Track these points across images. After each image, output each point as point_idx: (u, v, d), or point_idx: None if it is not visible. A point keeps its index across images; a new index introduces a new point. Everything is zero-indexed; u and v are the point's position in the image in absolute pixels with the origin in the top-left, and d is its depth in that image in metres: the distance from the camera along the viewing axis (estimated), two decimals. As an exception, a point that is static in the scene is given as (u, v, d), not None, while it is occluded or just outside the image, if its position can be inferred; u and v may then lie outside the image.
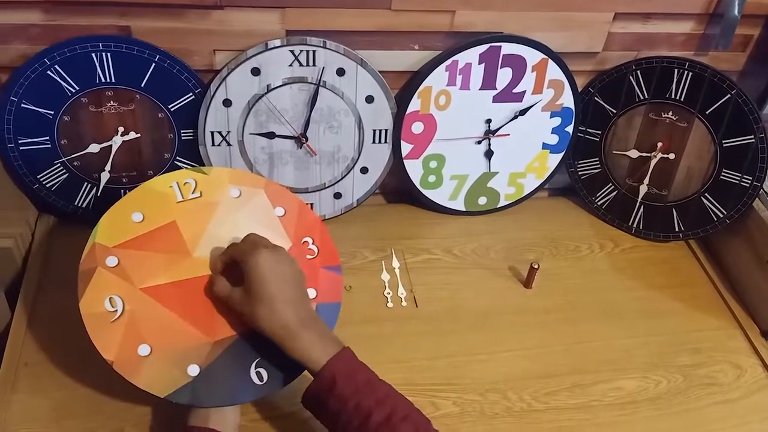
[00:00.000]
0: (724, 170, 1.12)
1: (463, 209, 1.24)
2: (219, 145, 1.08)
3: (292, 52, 1.01)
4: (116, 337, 0.78)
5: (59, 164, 1.05)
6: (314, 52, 1.02)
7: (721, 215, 1.14)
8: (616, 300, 1.10)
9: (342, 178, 1.15)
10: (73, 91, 0.99)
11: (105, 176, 1.07)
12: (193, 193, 0.88)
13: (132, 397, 0.86)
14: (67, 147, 1.03)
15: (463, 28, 1.05)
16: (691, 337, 1.05)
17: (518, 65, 1.09)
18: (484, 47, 1.06)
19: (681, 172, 1.16)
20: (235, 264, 0.80)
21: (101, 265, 0.81)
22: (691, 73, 1.08)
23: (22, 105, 0.98)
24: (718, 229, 1.15)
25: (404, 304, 1.06)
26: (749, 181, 1.10)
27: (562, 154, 1.21)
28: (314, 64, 1.03)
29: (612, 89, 1.15)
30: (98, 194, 1.09)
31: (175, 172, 0.89)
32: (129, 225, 0.84)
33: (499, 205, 1.25)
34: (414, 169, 1.17)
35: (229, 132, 1.07)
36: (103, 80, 0.99)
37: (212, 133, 1.06)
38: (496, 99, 1.12)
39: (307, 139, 1.09)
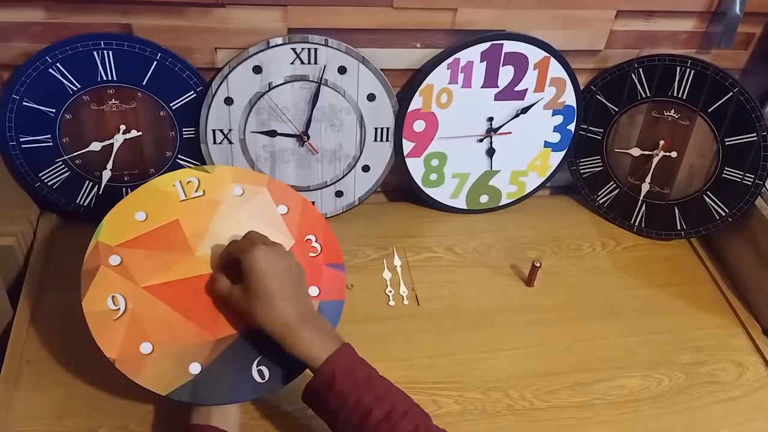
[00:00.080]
0: (726, 168, 1.11)
1: (465, 207, 1.24)
2: (221, 143, 1.08)
3: (293, 50, 1.01)
4: (118, 336, 0.78)
5: (61, 162, 1.05)
6: (316, 50, 1.02)
7: (723, 213, 1.14)
8: (618, 298, 1.10)
9: (343, 177, 1.15)
10: (75, 89, 0.99)
11: (107, 174, 1.07)
12: (196, 191, 0.88)
13: (134, 394, 0.86)
14: (68, 145, 1.03)
15: (465, 26, 1.05)
16: (693, 336, 1.05)
17: (520, 63, 1.09)
18: (485, 45, 1.06)
19: (683, 170, 1.16)
20: (236, 262, 0.80)
21: (104, 263, 0.81)
22: (693, 71, 1.08)
23: (24, 103, 0.98)
24: (720, 227, 1.15)
25: (406, 302, 1.06)
26: (751, 180, 1.10)
27: (563, 152, 1.21)
28: (316, 62, 1.03)
29: (614, 87, 1.15)
30: (100, 192, 1.09)
31: (178, 171, 0.89)
32: (132, 224, 0.84)
33: (501, 204, 1.25)
34: (415, 168, 1.17)
35: (230, 130, 1.07)
36: (104, 78, 0.99)
37: (214, 131, 1.06)
38: (498, 97, 1.12)
39: (308, 138, 1.09)
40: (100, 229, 0.83)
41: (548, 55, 1.09)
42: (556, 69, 1.10)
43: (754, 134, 1.07)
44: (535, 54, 1.08)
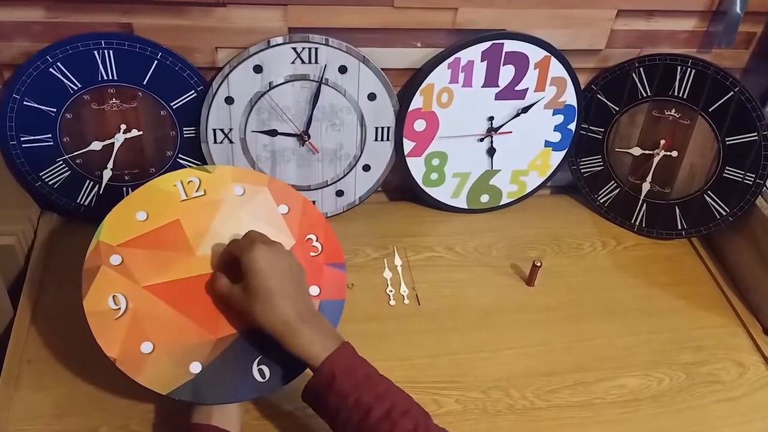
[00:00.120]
0: (727, 168, 1.11)
1: (466, 207, 1.24)
2: (221, 142, 1.08)
3: (294, 49, 1.01)
4: (119, 335, 0.78)
5: (61, 162, 1.05)
6: (316, 49, 1.02)
7: (724, 213, 1.14)
8: (619, 298, 1.10)
9: (344, 176, 1.15)
10: (76, 88, 0.99)
11: (107, 174, 1.07)
12: (196, 191, 0.88)
13: (135, 394, 0.86)
14: (69, 144, 1.03)
15: (466, 26, 1.04)
16: (694, 335, 1.05)
17: (521, 63, 1.09)
18: (486, 44, 1.06)
19: (684, 169, 1.16)
20: (236, 261, 0.80)
21: (105, 263, 0.81)
22: (694, 71, 1.08)
23: (25, 102, 0.98)
24: (721, 226, 1.15)
25: (406, 301, 1.06)
26: (752, 179, 1.09)
27: (564, 152, 1.21)
28: (316, 62, 1.03)
29: (615, 87, 1.14)
30: (100, 192, 1.09)
31: (179, 171, 0.89)
32: (133, 223, 0.84)
33: (502, 203, 1.25)
34: (416, 167, 1.17)
35: (231, 129, 1.07)
36: (105, 78, 0.99)
37: (214, 130, 1.06)
38: (499, 96, 1.12)
39: (309, 137, 1.09)
40: (101, 228, 0.83)
41: (549, 54, 1.09)
42: (556, 68, 1.10)
43: (755, 134, 1.07)
44: (535, 53, 1.08)
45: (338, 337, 0.77)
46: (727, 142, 1.10)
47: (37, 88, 0.97)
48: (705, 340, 1.04)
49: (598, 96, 1.16)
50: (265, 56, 1.01)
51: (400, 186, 1.23)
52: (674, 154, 1.15)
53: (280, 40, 1.00)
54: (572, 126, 1.18)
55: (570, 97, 1.14)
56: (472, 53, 1.06)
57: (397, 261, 1.12)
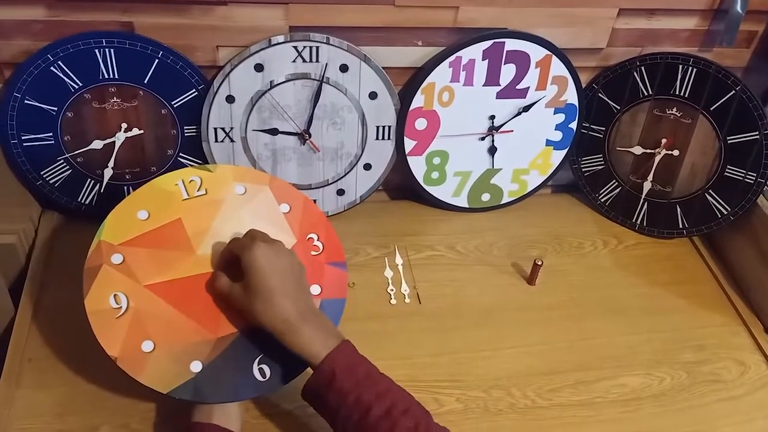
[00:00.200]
0: (728, 167, 1.11)
1: (467, 206, 1.24)
2: (222, 141, 1.08)
3: (295, 48, 1.01)
4: (120, 334, 0.78)
5: (62, 160, 1.05)
6: (317, 48, 1.02)
7: (725, 212, 1.14)
8: (620, 297, 1.10)
9: (345, 175, 1.15)
10: (77, 87, 0.99)
11: (108, 173, 1.07)
12: (198, 190, 0.88)
13: (136, 393, 0.86)
14: (70, 143, 1.03)
15: (467, 24, 1.04)
16: (695, 334, 1.05)
17: (522, 61, 1.08)
18: (487, 43, 1.06)
19: (685, 168, 1.16)
20: (236, 259, 0.80)
21: (107, 262, 0.81)
22: (695, 70, 1.08)
23: (26, 101, 0.98)
24: (722, 225, 1.15)
25: (407, 300, 1.06)
26: (753, 178, 1.09)
27: (565, 151, 1.21)
28: (317, 60, 1.03)
29: (616, 85, 1.14)
30: (101, 191, 1.09)
31: (180, 170, 0.89)
32: (134, 223, 0.84)
33: (503, 202, 1.25)
34: (417, 166, 1.17)
35: (232, 128, 1.07)
36: (106, 76, 0.99)
37: (215, 129, 1.06)
38: (500, 95, 1.11)
39: (310, 136, 1.09)
40: (102, 228, 0.83)
41: (550, 53, 1.09)
42: (557, 67, 1.10)
43: (757, 133, 1.07)
44: (536, 52, 1.08)
45: (339, 336, 0.76)
46: (729, 141, 1.10)
47: (38, 86, 0.97)
48: (706, 339, 1.04)
49: (600, 95, 1.16)
50: (266, 55, 1.01)
51: (401, 185, 1.23)
52: (675, 153, 1.15)
53: (281, 38, 1.00)
54: (573, 125, 1.18)
55: (571, 96, 1.14)
56: (474, 52, 1.06)
57: (398, 260, 1.12)
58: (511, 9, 1.04)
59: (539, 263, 1.08)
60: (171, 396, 0.77)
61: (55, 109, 1.00)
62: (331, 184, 1.16)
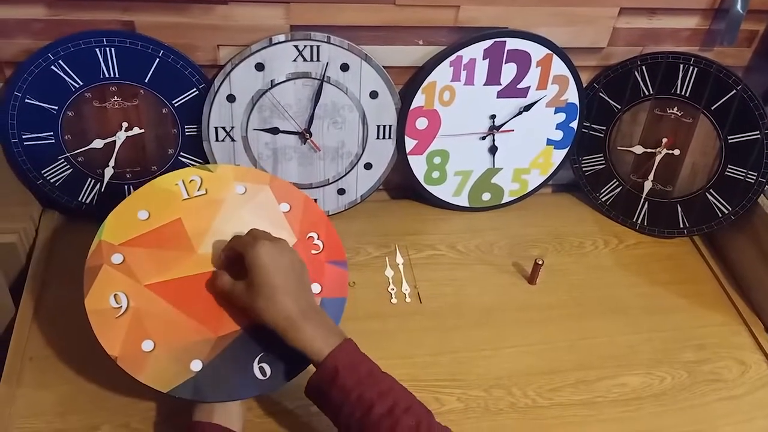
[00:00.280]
0: (729, 166, 1.11)
1: (467, 205, 1.24)
2: (223, 140, 1.08)
3: (296, 47, 1.01)
4: (120, 333, 0.78)
5: (63, 160, 1.05)
6: (318, 47, 1.01)
7: (726, 211, 1.14)
8: (621, 296, 1.10)
9: (346, 174, 1.15)
10: (77, 86, 0.99)
11: (109, 172, 1.07)
12: (198, 190, 0.88)
13: (136, 392, 0.86)
14: (71, 142, 1.03)
15: (468, 24, 1.04)
16: (696, 334, 1.05)
17: (523, 61, 1.08)
18: (488, 42, 1.06)
19: (686, 168, 1.15)
20: (238, 257, 0.80)
21: (107, 262, 0.81)
22: (696, 69, 1.08)
23: (26, 100, 0.98)
24: (723, 225, 1.15)
25: (408, 300, 1.06)
26: (754, 177, 1.09)
27: (566, 150, 1.21)
28: (318, 60, 1.03)
29: (617, 85, 1.14)
30: (102, 190, 1.09)
31: (180, 170, 0.89)
32: (135, 223, 0.84)
33: (503, 201, 1.25)
34: (418, 165, 1.17)
35: (233, 128, 1.07)
36: (107, 75, 0.99)
37: (216, 128, 1.06)
38: (501, 94, 1.11)
39: (311, 135, 1.09)
40: (102, 228, 0.83)
41: (551, 52, 1.08)
42: (558, 66, 1.10)
43: (757, 132, 1.07)
44: (537, 51, 1.08)
45: (341, 334, 0.77)
46: (729, 141, 1.10)
47: (39, 85, 0.97)
48: (707, 339, 1.04)
49: (600, 94, 1.16)
50: (266, 54, 1.01)
51: (401, 184, 1.23)
52: (676, 152, 1.15)
53: (282, 37, 1.00)
54: (574, 124, 1.18)
55: (572, 96, 1.14)
56: (474, 51, 1.06)
57: (399, 259, 1.12)
58: (512, 8, 1.04)
59: (540, 263, 1.08)
60: (171, 395, 0.77)
61: (56, 108, 1.00)
62: (332, 183, 1.16)
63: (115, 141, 1.05)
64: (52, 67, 0.96)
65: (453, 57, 1.06)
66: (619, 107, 1.16)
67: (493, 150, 1.17)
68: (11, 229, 1.02)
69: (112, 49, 0.97)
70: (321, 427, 0.86)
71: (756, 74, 1.16)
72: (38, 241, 1.07)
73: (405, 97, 1.09)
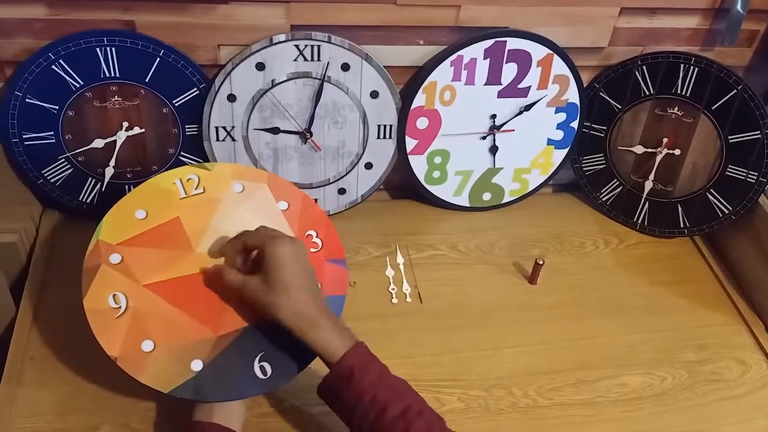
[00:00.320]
0: (729, 166, 1.11)
1: (468, 205, 1.24)
2: (223, 140, 1.08)
3: (296, 46, 1.01)
4: (120, 334, 0.78)
5: (64, 159, 1.05)
6: (319, 47, 1.01)
7: (727, 211, 1.14)
8: (621, 296, 1.10)
9: (346, 174, 1.15)
10: (78, 85, 0.99)
11: (109, 171, 1.07)
12: (196, 189, 0.88)
13: (136, 392, 0.86)
14: (71, 142, 1.03)
15: (468, 23, 1.04)
16: (696, 333, 1.05)
17: (523, 60, 1.08)
18: (489, 42, 1.06)
19: (686, 167, 1.15)
20: (249, 252, 0.79)
21: (105, 262, 0.81)
22: (696, 69, 1.08)
23: (27, 100, 0.98)
24: (724, 225, 1.15)
25: (409, 299, 1.06)
26: (755, 177, 1.09)
27: (567, 150, 1.21)
28: (319, 59, 1.03)
29: (617, 84, 1.14)
30: (103, 189, 1.09)
31: (178, 169, 0.89)
32: (132, 222, 0.84)
33: (504, 201, 1.25)
34: (418, 165, 1.17)
35: (233, 127, 1.07)
36: (107, 75, 0.99)
37: (217, 128, 1.06)
38: (501, 94, 1.11)
39: (311, 135, 1.09)
40: (100, 227, 0.83)
41: (551, 52, 1.08)
42: (559, 66, 1.10)
43: (758, 132, 1.07)
44: (538, 51, 1.08)
45: (353, 336, 0.77)
46: (730, 141, 1.10)
47: (39, 85, 0.97)
48: (708, 339, 1.04)
49: (601, 94, 1.16)
50: (267, 54, 1.01)
51: (402, 184, 1.23)
52: (677, 152, 1.15)
53: (282, 37, 1.00)
54: (575, 124, 1.18)
55: (572, 95, 1.14)
56: (475, 51, 1.06)
57: (400, 259, 1.12)
58: (512, 8, 1.04)
59: (540, 262, 1.08)
60: (172, 395, 0.77)
61: (57, 107, 1.00)
62: (333, 183, 1.16)
63: (115, 141, 1.05)
64: (53, 66, 0.96)
65: (454, 57, 1.06)
66: (620, 107, 1.16)
67: (493, 150, 1.17)
68: (12, 228, 1.02)
69: (113, 49, 0.97)
70: (321, 426, 0.86)
71: (756, 74, 1.16)
72: (39, 241, 1.07)
73: (406, 96, 1.09)
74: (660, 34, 1.11)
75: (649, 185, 1.19)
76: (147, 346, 0.78)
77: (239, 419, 0.82)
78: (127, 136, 1.05)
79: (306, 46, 1.01)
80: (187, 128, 1.07)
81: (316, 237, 0.91)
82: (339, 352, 0.73)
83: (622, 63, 1.13)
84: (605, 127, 1.19)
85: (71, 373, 0.90)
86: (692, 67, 1.08)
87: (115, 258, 0.82)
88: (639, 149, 1.18)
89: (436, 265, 1.12)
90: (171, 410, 0.86)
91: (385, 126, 1.11)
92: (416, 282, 1.08)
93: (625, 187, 1.22)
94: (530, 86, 1.11)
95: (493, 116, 1.14)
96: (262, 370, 0.80)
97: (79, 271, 0.80)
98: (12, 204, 1.05)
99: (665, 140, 1.15)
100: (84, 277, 0.80)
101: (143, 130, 1.05)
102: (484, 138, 1.16)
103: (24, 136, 1.01)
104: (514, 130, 1.15)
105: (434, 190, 1.20)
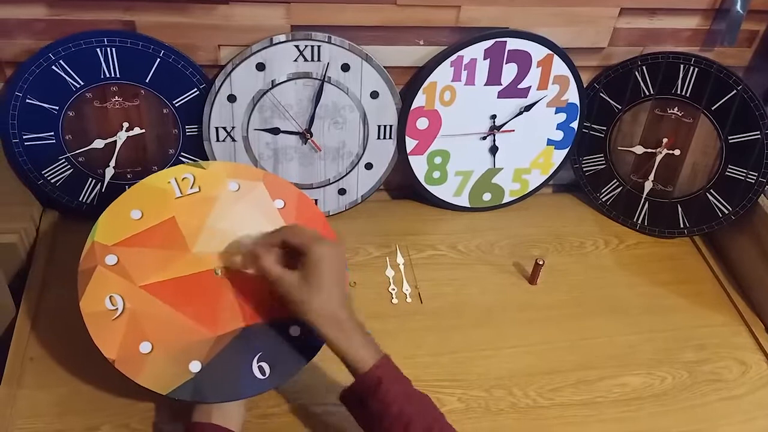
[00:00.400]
0: (729, 166, 1.11)
1: (468, 205, 1.24)
2: (224, 140, 1.08)
3: (296, 47, 1.01)
4: (117, 336, 0.78)
5: (64, 160, 1.05)
6: (319, 47, 1.01)
7: (727, 211, 1.14)
8: (621, 296, 1.10)
9: (346, 174, 1.15)
10: (78, 86, 0.99)
11: (109, 172, 1.07)
12: (191, 188, 0.88)
13: (136, 392, 0.85)
14: (71, 142, 1.03)
15: (469, 24, 1.04)
16: (696, 334, 1.05)
17: (523, 61, 1.08)
18: (489, 42, 1.06)
19: (686, 168, 1.15)
20: (283, 248, 0.79)
21: (101, 263, 0.81)
22: (696, 69, 1.08)
23: (27, 100, 0.98)
24: (724, 225, 1.15)
25: (409, 300, 1.06)
26: (755, 177, 1.09)
27: (566, 150, 1.21)
28: (319, 60, 1.03)
29: (617, 85, 1.14)
30: (103, 190, 1.09)
31: (172, 168, 0.89)
32: (128, 222, 0.84)
33: (504, 201, 1.25)
34: (418, 165, 1.17)
35: (233, 128, 1.07)
36: (107, 75, 0.99)
37: (217, 128, 1.06)
38: (501, 95, 1.11)
39: (311, 135, 1.09)
40: (95, 228, 0.83)
41: (551, 52, 1.08)
42: (559, 66, 1.10)
43: (758, 132, 1.07)
44: (538, 51, 1.08)
45: (378, 347, 0.77)
46: (730, 141, 1.10)
47: (40, 85, 0.97)
48: (707, 339, 1.04)
49: (601, 94, 1.16)
50: (267, 54, 1.01)
51: (402, 184, 1.23)
52: (677, 152, 1.15)
53: (282, 38, 1.00)
54: (575, 124, 1.18)
55: (572, 96, 1.14)
56: (475, 51, 1.06)
57: (400, 259, 1.12)
58: (512, 8, 1.04)
59: (540, 263, 1.08)
60: (170, 397, 0.77)
61: (57, 108, 1.00)
62: (333, 183, 1.16)
63: (115, 141, 1.05)
64: (53, 67, 0.96)
65: (454, 57, 1.06)
66: (620, 107, 1.16)
67: (493, 150, 1.17)
68: (12, 229, 1.02)
69: (113, 49, 0.97)
70: (321, 427, 0.86)
71: (756, 74, 1.16)
72: (39, 241, 1.07)
73: (406, 97, 1.09)
74: (660, 35, 1.11)
75: (648, 185, 1.19)
76: (145, 347, 0.78)
77: (238, 420, 0.82)
78: (128, 137, 1.05)
79: (306, 46, 1.01)
80: (188, 129, 1.07)
81: None
82: (367, 362, 0.74)
83: (622, 63, 1.13)
84: (605, 128, 1.19)
85: (71, 373, 0.90)
86: (692, 68, 1.08)
87: (110, 259, 0.81)
88: (639, 149, 1.18)
89: (436, 265, 1.12)
90: (171, 410, 0.86)
91: (385, 126, 1.11)
92: (416, 282, 1.08)
93: (625, 187, 1.22)
94: (530, 86, 1.11)
95: (493, 116, 1.14)
96: (261, 370, 0.80)
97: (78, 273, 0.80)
98: (12, 204, 1.05)
99: (665, 140, 1.15)
100: (80, 280, 0.80)
101: (143, 130, 1.05)
102: (484, 138, 1.16)
103: (24, 137, 1.01)
104: (514, 131, 1.15)
105: (434, 190, 1.20)
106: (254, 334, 0.81)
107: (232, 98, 1.04)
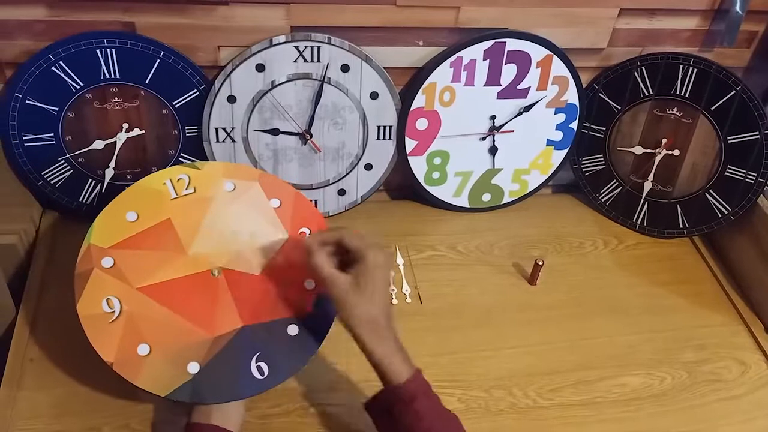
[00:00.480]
0: (728, 166, 1.11)
1: (467, 206, 1.24)
2: (223, 141, 1.08)
3: (296, 48, 1.01)
4: (115, 338, 0.78)
5: (63, 161, 1.05)
6: (319, 48, 1.02)
7: (726, 212, 1.14)
8: (620, 296, 1.10)
9: (346, 175, 1.15)
10: (78, 87, 0.99)
11: (109, 173, 1.07)
12: (186, 189, 0.88)
13: (136, 393, 0.85)
14: (71, 143, 1.03)
15: (468, 24, 1.04)
16: (696, 334, 1.05)
17: (523, 61, 1.09)
18: (488, 43, 1.06)
19: (686, 168, 1.16)
20: (336, 247, 0.79)
21: (97, 266, 0.81)
22: (696, 70, 1.08)
23: (27, 101, 0.98)
24: (723, 225, 1.15)
25: (408, 300, 1.06)
26: (754, 178, 1.09)
27: (566, 151, 1.21)
28: (319, 60, 1.03)
29: (617, 85, 1.14)
30: (102, 191, 1.09)
31: (168, 169, 0.88)
32: (123, 225, 0.83)
33: (503, 202, 1.25)
34: (418, 166, 1.17)
35: (233, 128, 1.07)
36: (107, 76, 0.99)
37: (216, 129, 1.06)
38: (501, 95, 1.11)
39: (311, 136, 1.09)
40: (91, 231, 0.83)
41: (551, 53, 1.09)
42: (558, 67, 1.10)
43: (757, 132, 1.07)
44: (537, 52, 1.08)
45: (411, 361, 0.77)
46: (729, 141, 1.10)
47: (40, 86, 0.97)
48: (707, 339, 1.04)
49: (600, 95, 1.16)
50: (267, 55, 1.01)
51: (402, 185, 1.23)
52: (676, 153, 1.15)
53: (282, 38, 1.00)
54: (574, 125, 1.18)
55: (572, 96, 1.14)
56: (475, 52, 1.06)
57: (399, 260, 1.12)
58: (512, 9, 1.04)
59: (540, 263, 1.08)
60: (169, 399, 0.77)
61: (57, 109, 1.00)
62: (332, 184, 1.16)
63: (115, 142, 1.05)
64: (53, 68, 0.97)
65: (453, 58, 1.06)
66: (619, 108, 1.16)
67: (493, 151, 1.18)
68: (11, 230, 1.02)
69: (113, 50, 0.97)
70: (321, 427, 0.86)
71: (755, 75, 1.16)
72: (38, 242, 1.07)
73: (405, 97, 1.09)
74: (659, 35, 1.11)
75: (648, 186, 1.19)
76: (143, 349, 0.78)
77: (237, 420, 0.82)
78: (127, 138, 1.05)
79: (306, 47, 1.01)
80: (187, 129, 1.07)
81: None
82: (402, 374, 0.74)
83: (622, 64, 1.13)
84: (604, 128, 1.19)
85: (71, 374, 0.90)
86: (691, 68, 1.08)
87: (107, 262, 0.81)
88: (638, 150, 1.18)
89: (435, 265, 1.12)
90: (170, 411, 0.86)
91: (384, 127, 1.11)
92: (416, 283, 1.09)
93: (624, 187, 1.22)
94: (530, 87, 1.11)
95: (493, 117, 1.14)
96: (259, 370, 0.80)
97: (77, 275, 0.81)
98: (12, 205, 1.05)
99: (664, 141, 1.15)
100: (77, 282, 0.80)
101: (143, 131, 1.05)
102: (483, 139, 1.16)
103: (24, 138, 1.01)
104: (513, 131, 1.16)
105: (434, 190, 1.21)
106: (252, 335, 0.81)
107: (231, 99, 1.04)
